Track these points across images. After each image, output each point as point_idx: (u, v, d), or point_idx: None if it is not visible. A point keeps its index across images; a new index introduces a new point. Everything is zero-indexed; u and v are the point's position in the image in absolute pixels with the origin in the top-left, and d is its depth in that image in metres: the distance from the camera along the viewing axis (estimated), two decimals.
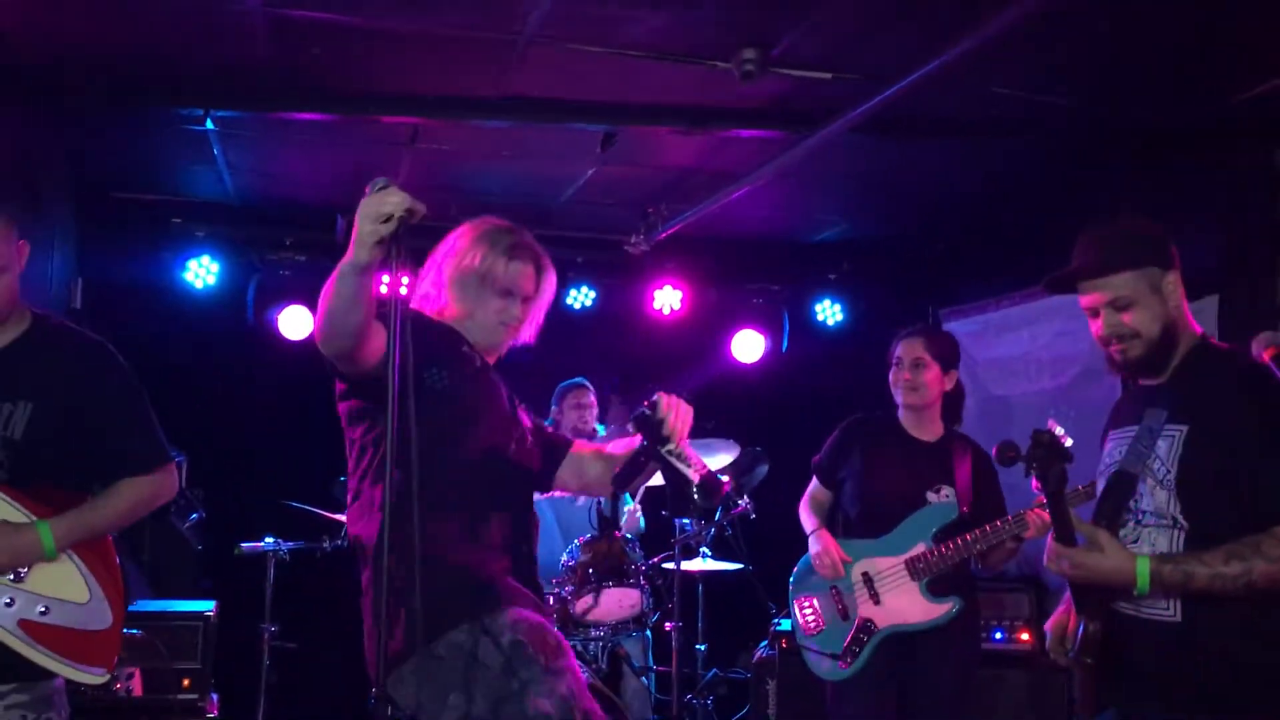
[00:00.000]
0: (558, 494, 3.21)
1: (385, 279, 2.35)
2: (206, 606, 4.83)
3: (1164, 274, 2.62)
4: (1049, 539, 2.60)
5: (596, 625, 4.89)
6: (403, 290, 2.31)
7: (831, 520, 4.39)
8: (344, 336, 2.46)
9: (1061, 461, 2.49)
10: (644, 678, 5.49)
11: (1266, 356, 2.63)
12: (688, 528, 5.29)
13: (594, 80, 4.59)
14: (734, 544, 5.38)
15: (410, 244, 2.32)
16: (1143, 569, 2.45)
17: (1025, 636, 5.32)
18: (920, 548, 4.10)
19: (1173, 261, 2.64)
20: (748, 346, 7.53)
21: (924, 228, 6.77)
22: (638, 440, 2.75)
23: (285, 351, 6.59)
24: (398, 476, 2.21)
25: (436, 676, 2.54)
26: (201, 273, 6.62)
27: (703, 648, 5.71)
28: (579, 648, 4.79)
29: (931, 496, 4.16)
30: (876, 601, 4.15)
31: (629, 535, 5.27)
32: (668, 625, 5.04)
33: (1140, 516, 2.60)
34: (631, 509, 5.75)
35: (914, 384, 4.21)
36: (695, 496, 2.67)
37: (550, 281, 2.98)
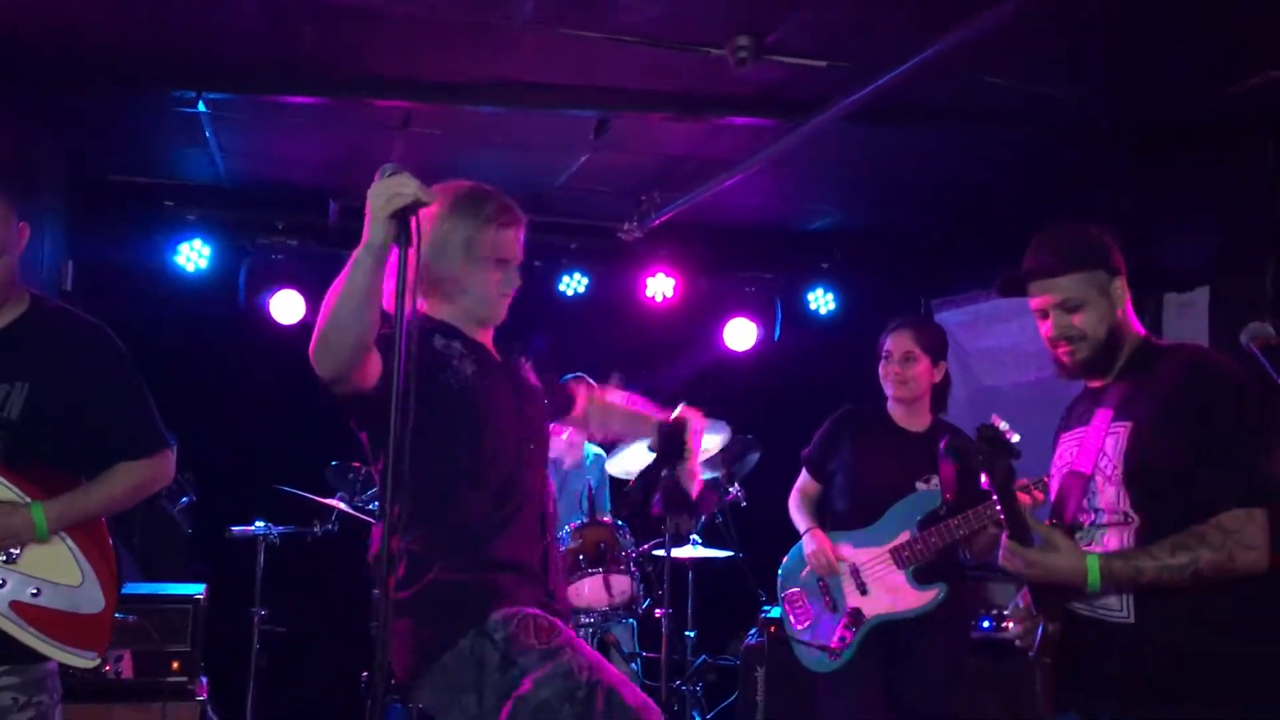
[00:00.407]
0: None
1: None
2: (197, 590, 4.82)
3: (1111, 278, 2.70)
4: (1003, 536, 2.62)
5: (586, 611, 4.90)
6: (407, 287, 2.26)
7: (820, 513, 4.40)
8: (344, 348, 2.38)
9: (1007, 457, 2.54)
10: (633, 664, 5.50)
11: (1255, 348, 2.66)
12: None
13: (588, 66, 4.58)
14: (724, 531, 5.39)
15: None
16: (1093, 566, 2.49)
17: (1013, 626, 5.32)
18: (905, 536, 4.11)
19: (1120, 266, 2.72)
20: (740, 335, 7.54)
21: (917, 218, 6.78)
22: (652, 409, 2.78)
23: (276, 335, 6.57)
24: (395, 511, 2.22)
25: (449, 683, 2.61)
26: (193, 256, 6.60)
27: (692, 634, 5.72)
28: None
29: (921, 486, 4.16)
30: (863, 592, 4.16)
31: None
32: (657, 612, 5.05)
33: (1095, 515, 2.63)
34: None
35: (904, 377, 4.21)
36: (687, 512, 2.76)
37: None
